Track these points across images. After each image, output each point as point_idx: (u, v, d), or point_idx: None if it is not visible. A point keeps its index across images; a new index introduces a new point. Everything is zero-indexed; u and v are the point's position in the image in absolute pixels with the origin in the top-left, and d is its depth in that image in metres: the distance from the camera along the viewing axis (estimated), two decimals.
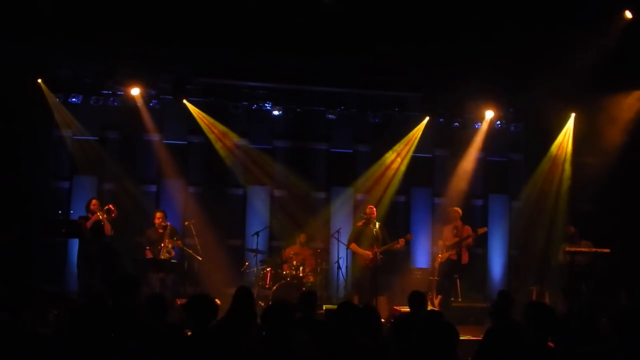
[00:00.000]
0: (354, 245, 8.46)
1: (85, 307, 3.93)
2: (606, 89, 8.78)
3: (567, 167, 9.78)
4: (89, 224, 7.78)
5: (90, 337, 3.60)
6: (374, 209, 8.50)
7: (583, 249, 8.38)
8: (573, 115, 9.77)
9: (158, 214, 8.26)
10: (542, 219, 9.80)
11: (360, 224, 8.54)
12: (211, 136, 9.63)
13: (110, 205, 7.92)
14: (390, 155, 10.12)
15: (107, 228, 7.84)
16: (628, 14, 8.18)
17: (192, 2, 7.88)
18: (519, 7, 7.98)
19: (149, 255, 7.96)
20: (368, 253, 8.18)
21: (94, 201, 7.99)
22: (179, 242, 8.19)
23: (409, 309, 5.38)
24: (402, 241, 8.34)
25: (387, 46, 8.54)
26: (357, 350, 3.98)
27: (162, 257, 7.97)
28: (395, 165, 10.13)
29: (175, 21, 8.09)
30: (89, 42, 8.23)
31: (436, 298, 8.64)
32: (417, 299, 5.28)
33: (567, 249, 8.46)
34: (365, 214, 8.42)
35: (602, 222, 8.86)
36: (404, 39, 8.45)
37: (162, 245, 8.03)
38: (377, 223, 8.34)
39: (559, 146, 9.91)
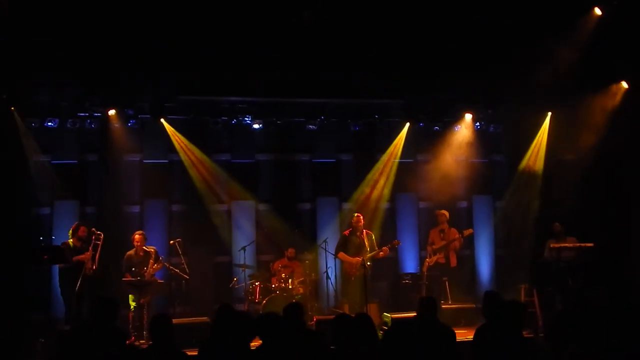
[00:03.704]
0: (342, 254, 8.46)
1: (72, 333, 3.89)
2: (581, 86, 8.86)
3: (541, 165, 9.90)
4: (85, 256, 7.61)
5: None
6: (361, 217, 8.51)
7: (568, 245, 8.48)
8: (549, 114, 9.91)
9: (137, 236, 8.06)
10: (527, 217, 9.90)
11: (347, 232, 8.56)
12: (186, 160, 9.55)
13: (97, 232, 7.78)
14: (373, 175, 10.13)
15: (89, 264, 7.65)
16: (597, 11, 8.36)
17: (167, 21, 7.86)
18: (494, 12, 8.10)
19: (128, 277, 7.83)
20: (358, 260, 8.18)
21: (82, 228, 7.85)
22: (159, 265, 8.06)
23: (416, 313, 5.32)
24: (385, 249, 8.35)
25: (365, 55, 8.60)
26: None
27: (147, 280, 7.85)
28: (382, 181, 10.16)
29: (150, 40, 8.05)
30: (64, 65, 8.14)
31: None
32: (430, 304, 5.26)
33: (552, 245, 8.56)
34: (352, 222, 8.44)
35: (585, 217, 8.97)
36: (381, 47, 8.53)
37: (146, 268, 7.87)
38: (364, 231, 8.36)
39: (537, 145, 10.03)
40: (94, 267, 7.66)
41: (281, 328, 4.02)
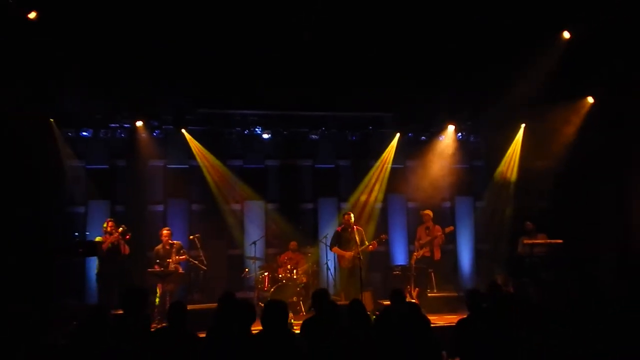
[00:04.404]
0: (335, 248, 8.44)
1: (90, 318, 3.86)
2: (551, 101, 8.88)
3: (516, 170, 9.88)
4: (105, 245, 7.64)
5: (96, 343, 3.56)
6: (351, 215, 8.47)
7: (539, 241, 8.42)
8: (523, 125, 9.88)
9: (165, 232, 8.16)
10: (503, 216, 9.86)
11: (339, 229, 8.53)
12: (203, 165, 9.58)
13: (123, 228, 7.82)
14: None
15: (124, 248, 7.74)
16: (566, 35, 8.32)
17: (188, 43, 7.88)
18: (474, 36, 8.09)
19: (157, 268, 7.85)
20: (350, 254, 8.15)
21: (110, 222, 7.87)
22: (183, 257, 8.10)
23: (389, 303, 5.32)
24: (374, 243, 8.30)
25: (361, 74, 8.60)
26: (350, 340, 3.94)
27: (170, 270, 7.86)
28: (375, 184, 10.15)
29: (174, 62, 8.09)
30: (98, 82, 8.17)
31: (414, 290, 8.61)
32: (396, 295, 5.24)
33: (525, 241, 8.50)
34: (343, 220, 8.41)
35: (554, 217, 8.93)
36: (374, 67, 8.53)
37: (170, 260, 7.94)
38: (354, 227, 8.30)
39: (512, 153, 10.00)
40: (107, 247, 7.67)
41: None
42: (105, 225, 7.86)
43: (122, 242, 7.72)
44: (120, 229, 7.75)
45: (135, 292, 4.38)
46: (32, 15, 6.92)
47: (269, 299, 8.11)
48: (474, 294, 4.55)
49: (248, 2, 7.25)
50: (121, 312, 4.36)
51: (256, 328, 3.96)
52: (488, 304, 4.54)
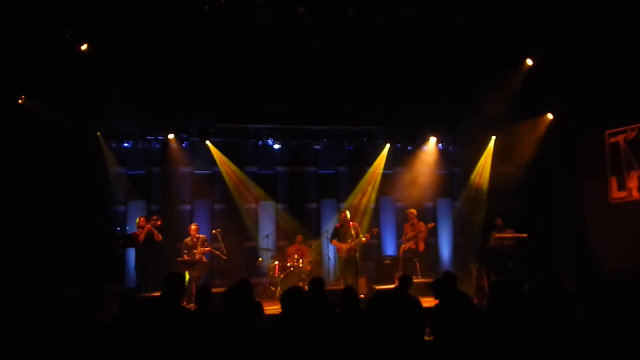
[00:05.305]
0: (335, 242, 8.48)
1: (122, 299, 3.92)
2: (518, 117, 8.95)
3: (487, 175, 9.92)
4: (142, 237, 7.75)
5: (132, 321, 3.64)
6: (347, 213, 8.52)
7: (508, 235, 8.45)
8: (494, 138, 9.94)
9: (193, 227, 8.26)
10: (477, 214, 9.90)
11: (338, 225, 8.56)
12: (224, 171, 9.68)
13: (155, 217, 7.95)
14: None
15: (157, 236, 7.85)
16: (529, 62, 8.41)
17: (210, 71, 8.01)
18: (452, 60, 8.17)
19: (186, 258, 7.95)
20: (347, 246, 8.20)
21: (142, 219, 7.99)
22: (207, 248, 8.20)
23: (397, 286, 5.26)
24: (367, 236, 8.30)
25: (357, 94, 8.70)
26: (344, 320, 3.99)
27: (196, 259, 7.95)
28: (369, 188, 10.21)
29: (199, 84, 8.21)
30: (138, 103, 8.30)
31: None
32: (405, 281, 5.21)
33: (496, 235, 8.53)
34: (341, 217, 8.48)
35: (520, 214, 8.96)
36: (368, 88, 8.62)
37: (196, 251, 8.04)
38: (350, 223, 8.35)
39: (484, 161, 10.05)
40: (143, 240, 7.80)
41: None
42: (137, 221, 7.99)
43: (154, 231, 7.83)
44: (153, 219, 7.89)
45: (174, 277, 4.43)
46: (84, 47, 7.04)
47: (279, 284, 8.19)
48: (439, 283, 4.59)
49: (260, 40, 7.39)
50: (158, 294, 4.43)
51: (269, 308, 4.04)
52: (452, 291, 4.57)
